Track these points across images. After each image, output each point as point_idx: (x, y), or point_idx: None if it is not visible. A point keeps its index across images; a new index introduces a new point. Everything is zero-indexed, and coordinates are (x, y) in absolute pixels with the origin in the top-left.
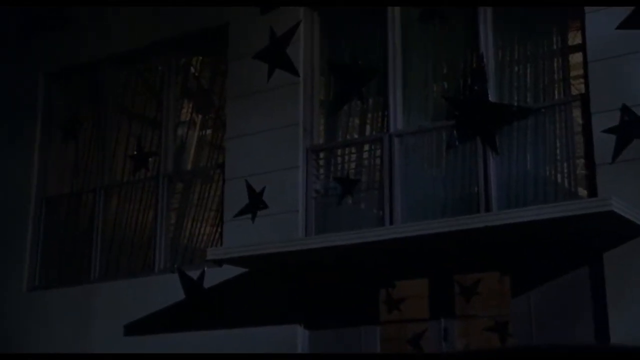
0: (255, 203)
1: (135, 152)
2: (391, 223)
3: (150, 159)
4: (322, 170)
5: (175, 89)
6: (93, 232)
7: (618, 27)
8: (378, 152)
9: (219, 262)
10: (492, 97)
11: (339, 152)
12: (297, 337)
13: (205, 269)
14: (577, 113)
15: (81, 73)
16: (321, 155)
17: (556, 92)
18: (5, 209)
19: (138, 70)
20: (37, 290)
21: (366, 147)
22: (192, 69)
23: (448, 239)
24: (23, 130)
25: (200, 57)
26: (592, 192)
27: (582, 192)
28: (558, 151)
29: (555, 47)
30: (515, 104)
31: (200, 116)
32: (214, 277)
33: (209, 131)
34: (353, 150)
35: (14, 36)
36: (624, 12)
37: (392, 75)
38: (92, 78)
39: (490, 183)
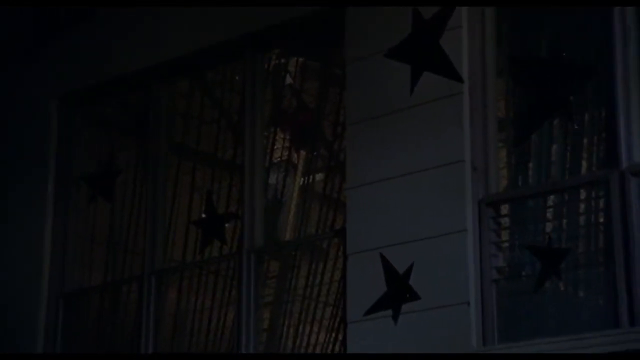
0: (397, 291)
1: (203, 216)
2: (632, 322)
3: (227, 225)
4: (506, 235)
5: (263, 111)
6: (140, 342)
7: None
8: (602, 202)
9: None
10: None
11: (533, 203)
12: None
13: None
14: None
15: (114, 94)
16: (504, 209)
17: None
18: (3, 315)
19: (202, 85)
20: None
21: (582, 195)
22: (289, 78)
23: None
24: (28, 185)
25: (301, 59)
26: None
27: None
28: None
29: None
30: None
31: (303, 154)
32: None
33: (318, 177)
34: (558, 200)
35: (15, 47)
36: None
37: (621, 75)
38: (131, 101)
39: None
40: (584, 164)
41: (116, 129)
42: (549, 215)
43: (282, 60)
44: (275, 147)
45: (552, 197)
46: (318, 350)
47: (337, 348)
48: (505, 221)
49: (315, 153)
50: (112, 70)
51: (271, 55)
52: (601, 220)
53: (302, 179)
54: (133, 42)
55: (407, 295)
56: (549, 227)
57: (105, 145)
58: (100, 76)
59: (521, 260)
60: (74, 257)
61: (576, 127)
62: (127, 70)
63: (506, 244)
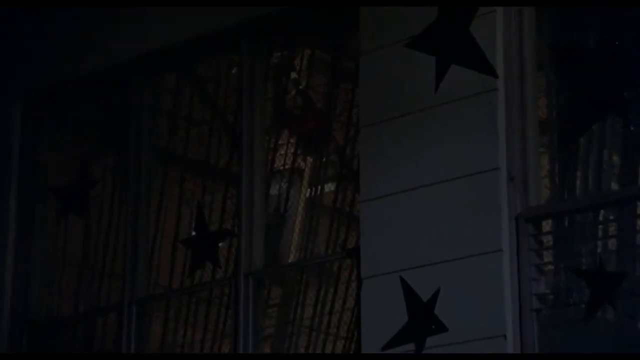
0: (421, 322)
1: (193, 233)
2: None
3: (221, 245)
4: (549, 257)
5: (263, 111)
6: None
7: None
8: None
9: None
10: None
11: (581, 219)
12: None
13: None
14: None
15: (87, 92)
16: (546, 226)
17: None
18: None
19: (192, 80)
20: None
21: (639, 209)
22: (293, 73)
23: None
24: None
25: (307, 50)
26: None
27: None
28: None
29: None
30: None
31: (310, 161)
32: None
33: (327, 188)
34: (610, 215)
35: None
36: None
37: None
38: (108, 100)
39: None
40: None
41: (90, 133)
42: (600, 232)
43: (286, 52)
44: (278, 153)
45: (603, 211)
46: None
47: None
48: (548, 240)
49: (324, 160)
50: (85, 65)
51: (273, 46)
52: None
53: (309, 190)
54: (110, 32)
55: (433, 327)
56: (600, 246)
57: (77, 152)
58: (71, 72)
59: (567, 285)
60: (41, 282)
61: (632, 128)
62: (102, 65)
63: (549, 267)
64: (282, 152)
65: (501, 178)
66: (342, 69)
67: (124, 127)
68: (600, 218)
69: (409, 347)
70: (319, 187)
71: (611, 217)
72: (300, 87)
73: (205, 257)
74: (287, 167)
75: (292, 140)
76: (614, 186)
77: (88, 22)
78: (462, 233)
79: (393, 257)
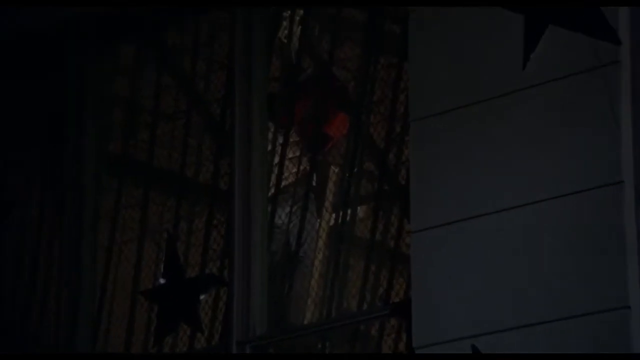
0: None
1: (162, 281)
2: None
3: (202, 297)
4: None
5: (263, 97)
6: None
7: None
8: None
9: None
10: None
11: None
12: None
13: None
14: None
15: (6, 70)
16: None
17: None
18: None
19: (160, 54)
20: None
21: None
22: (309, 41)
23: None
24: None
25: (332, 9)
26: None
27: None
28: None
29: None
30: None
31: (334, 172)
32: None
33: (361, 211)
34: None
35: None
36: None
37: None
38: (35, 81)
39: None
40: None
41: (8, 131)
42: None
43: (299, 11)
44: (286, 159)
45: None
46: None
47: None
48: None
49: (355, 170)
50: (3, 28)
51: (279, 2)
52: None
53: (334, 215)
54: None
55: None
56: None
57: None
58: None
59: None
60: None
61: None
62: (27, 29)
63: None
64: (293, 158)
65: (626, 196)
66: (383, 35)
67: (58, 122)
68: None
69: None
70: (349, 211)
71: None
72: (320, 61)
73: (180, 316)
74: (299, 181)
75: (306, 142)
76: None
77: None
78: (566, 279)
79: (460, 316)
